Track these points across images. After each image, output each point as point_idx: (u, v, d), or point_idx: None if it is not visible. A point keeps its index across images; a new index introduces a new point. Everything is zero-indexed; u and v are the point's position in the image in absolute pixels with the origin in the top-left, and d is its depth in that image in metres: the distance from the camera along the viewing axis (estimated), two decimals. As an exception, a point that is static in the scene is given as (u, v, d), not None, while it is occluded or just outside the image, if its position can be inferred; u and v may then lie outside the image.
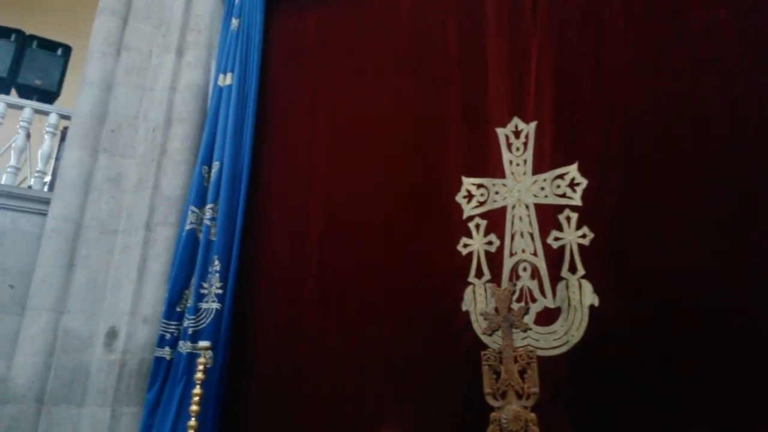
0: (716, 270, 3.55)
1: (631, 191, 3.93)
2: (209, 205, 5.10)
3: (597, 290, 3.85)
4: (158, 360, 4.66)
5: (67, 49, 6.37)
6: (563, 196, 4.14)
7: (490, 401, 3.40)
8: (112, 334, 4.71)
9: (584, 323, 3.84)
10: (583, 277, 3.91)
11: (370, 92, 5.13)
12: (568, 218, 4.08)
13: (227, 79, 5.54)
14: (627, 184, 3.96)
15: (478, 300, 4.17)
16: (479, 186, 4.44)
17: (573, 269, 3.95)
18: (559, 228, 4.09)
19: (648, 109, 4.03)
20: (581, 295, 3.89)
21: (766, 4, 3.81)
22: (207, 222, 5.05)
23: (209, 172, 5.25)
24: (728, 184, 3.67)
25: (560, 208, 4.12)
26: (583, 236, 4.00)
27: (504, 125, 4.47)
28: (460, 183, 4.49)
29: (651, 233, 3.81)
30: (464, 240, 4.36)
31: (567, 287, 3.94)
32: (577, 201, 4.09)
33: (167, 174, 5.30)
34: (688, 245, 3.67)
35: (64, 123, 5.78)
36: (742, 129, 3.72)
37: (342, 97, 5.28)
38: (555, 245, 4.07)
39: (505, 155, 4.41)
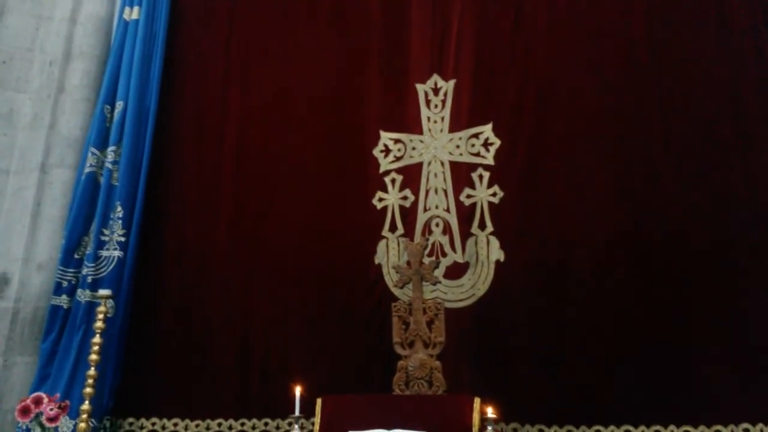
0: (613, 231, 3.88)
1: (540, 153, 4.18)
2: (111, 148, 4.81)
3: (503, 247, 4.08)
4: (54, 308, 4.43)
5: (-54, -34, 5.69)
6: (477, 155, 4.29)
7: (398, 350, 3.55)
8: (3, 281, 4.41)
9: (490, 277, 4.06)
10: (491, 233, 4.12)
11: (289, 37, 4.98)
12: (481, 177, 4.25)
13: (134, 13, 5.18)
14: (537, 146, 4.20)
15: (390, 254, 4.27)
16: (396, 141, 4.49)
17: (482, 226, 4.15)
18: (472, 186, 4.26)
19: (560, 75, 4.26)
20: (488, 251, 4.09)
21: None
22: (109, 165, 4.77)
23: (112, 112, 4.93)
24: (629, 152, 3.98)
25: (474, 167, 4.28)
26: (494, 195, 4.19)
27: (424, 82, 4.54)
28: (378, 137, 4.52)
29: (556, 195, 4.08)
30: (380, 194, 4.42)
31: (476, 243, 4.13)
32: (489, 160, 4.25)
33: (65, 112, 4.94)
34: (589, 208, 3.97)
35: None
36: (645, 95, 4.05)
37: (259, 40, 5.09)
38: (467, 202, 4.24)
39: (424, 111, 4.48)
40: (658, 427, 3.50)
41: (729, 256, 3.68)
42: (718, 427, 3.41)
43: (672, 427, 3.48)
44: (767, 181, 3.75)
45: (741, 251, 3.67)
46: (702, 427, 3.43)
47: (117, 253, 4.54)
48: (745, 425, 3.38)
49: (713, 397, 3.47)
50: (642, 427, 3.53)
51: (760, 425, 3.36)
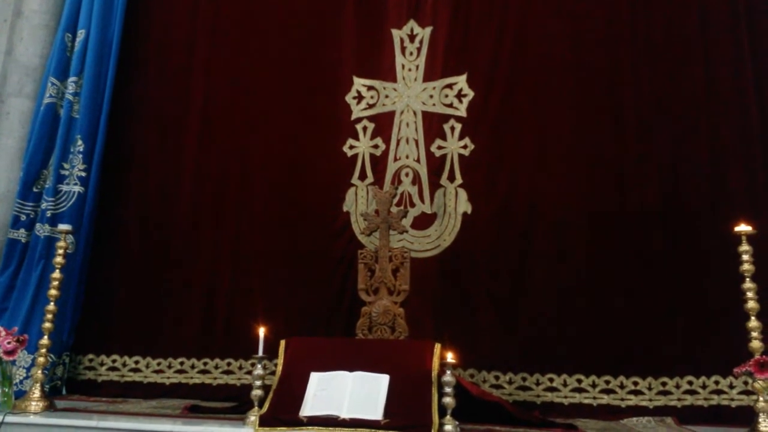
0: (581, 187, 3.95)
1: (513, 108, 4.18)
2: (72, 78, 4.62)
3: (471, 199, 4.14)
4: (12, 242, 4.33)
5: None
6: (450, 106, 4.28)
7: (363, 296, 3.60)
8: (-42, 212, 4.28)
9: (456, 229, 4.12)
10: (460, 186, 4.16)
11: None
12: (453, 128, 4.25)
13: (96, -65, 4.89)
14: (510, 100, 4.20)
15: (359, 201, 4.27)
16: (370, 88, 4.43)
17: (452, 178, 4.19)
18: (443, 137, 4.26)
19: (537, 28, 4.25)
20: (456, 203, 4.14)
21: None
22: (69, 97, 4.59)
23: (73, 40, 4.72)
24: (601, 108, 4.04)
25: (446, 118, 4.27)
26: (465, 147, 4.21)
27: (400, 27, 4.46)
28: (351, 82, 4.45)
29: (526, 150, 4.11)
30: (351, 141, 4.39)
31: (444, 195, 4.18)
32: (462, 112, 4.25)
33: (23, 39, 4.71)
34: (558, 164, 4.03)
35: None
36: (620, 52, 4.08)
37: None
38: (438, 153, 4.25)
39: (399, 59, 4.42)
40: (608, 377, 3.67)
41: (686, 212, 3.80)
42: (665, 378, 3.60)
43: (621, 377, 3.66)
44: (728, 139, 3.87)
45: (699, 207, 3.80)
46: (650, 379, 3.61)
47: (77, 189, 4.42)
48: (690, 377, 3.58)
49: (661, 351, 3.64)
50: (593, 377, 3.70)
51: (703, 378, 3.56)
